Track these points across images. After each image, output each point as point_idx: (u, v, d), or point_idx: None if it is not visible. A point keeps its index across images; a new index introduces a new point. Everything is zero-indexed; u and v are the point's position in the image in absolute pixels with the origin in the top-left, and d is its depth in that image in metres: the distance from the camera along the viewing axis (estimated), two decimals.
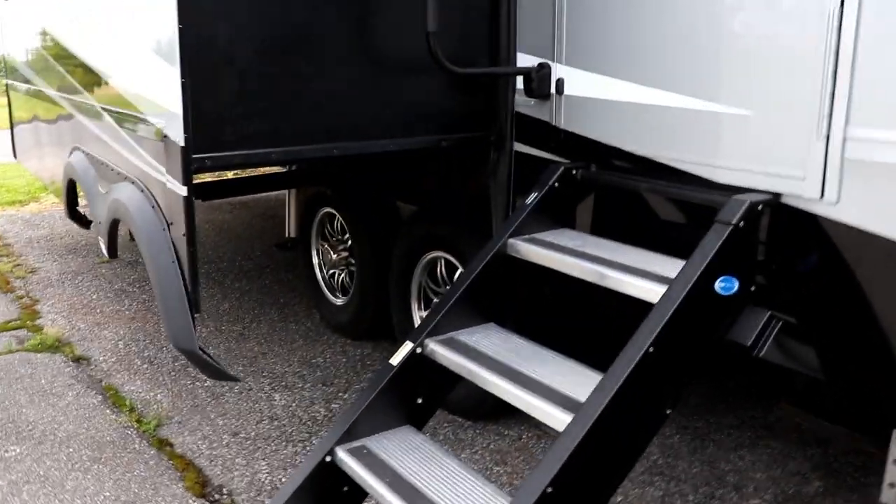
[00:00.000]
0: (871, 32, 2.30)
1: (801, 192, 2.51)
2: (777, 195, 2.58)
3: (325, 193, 4.92)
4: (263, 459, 3.75)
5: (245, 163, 3.03)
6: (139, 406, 4.21)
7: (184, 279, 2.93)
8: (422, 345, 2.91)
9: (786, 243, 2.59)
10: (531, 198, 3.12)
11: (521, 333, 3.01)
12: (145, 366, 4.70)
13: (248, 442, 3.89)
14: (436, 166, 4.29)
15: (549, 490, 2.22)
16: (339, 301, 5.12)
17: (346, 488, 2.84)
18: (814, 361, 2.64)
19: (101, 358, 4.80)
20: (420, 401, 2.96)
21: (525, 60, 3.33)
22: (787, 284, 2.61)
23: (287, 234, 5.50)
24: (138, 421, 4.05)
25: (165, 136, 2.91)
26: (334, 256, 5.06)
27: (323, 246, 5.20)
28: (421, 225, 4.18)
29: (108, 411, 4.15)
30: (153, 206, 3.15)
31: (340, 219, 4.95)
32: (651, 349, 2.36)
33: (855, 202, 2.40)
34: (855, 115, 2.36)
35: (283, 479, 3.58)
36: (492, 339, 2.95)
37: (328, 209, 5.03)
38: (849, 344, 2.56)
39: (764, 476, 3.65)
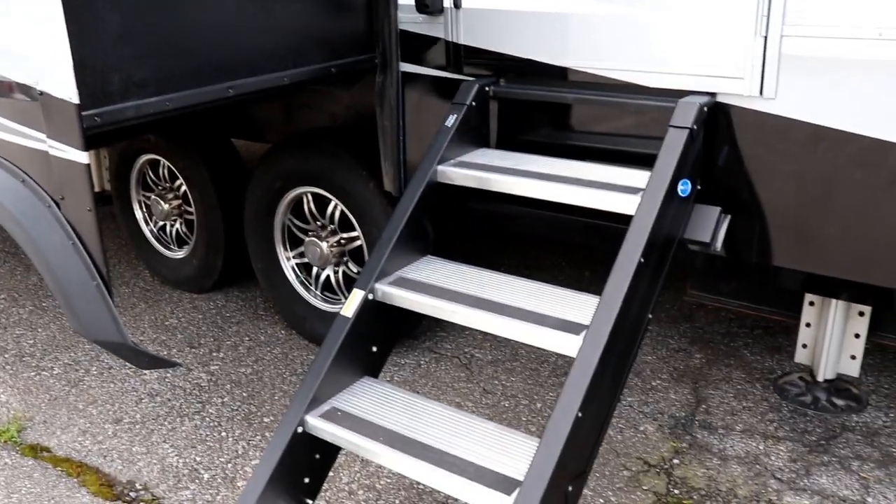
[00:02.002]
0: None
1: (741, 90, 2.61)
2: (714, 95, 2.67)
3: (147, 139, 4.38)
4: (164, 442, 3.37)
5: (138, 115, 2.56)
6: None
7: (93, 261, 2.48)
8: (372, 291, 2.73)
9: (727, 140, 2.70)
10: (451, 120, 2.98)
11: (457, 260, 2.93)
12: None
13: (137, 426, 3.48)
14: (291, 98, 3.98)
15: (580, 415, 2.21)
16: (177, 254, 4.65)
17: (318, 456, 2.65)
18: (752, 248, 2.81)
19: None
20: (375, 349, 2.79)
21: None
22: (730, 179, 2.74)
23: (97, 189, 4.86)
24: None
25: (42, 93, 2.39)
26: (165, 207, 4.55)
27: (147, 197, 4.66)
28: (283, 161, 3.86)
29: None
30: (23, 182, 2.60)
31: (169, 165, 4.45)
32: (642, 259, 2.39)
33: (792, 96, 2.55)
34: (791, 13, 2.47)
35: (197, 459, 3.26)
36: (441, 272, 2.83)
37: (151, 156, 4.50)
38: (785, 228, 2.74)
39: (654, 358, 3.91)
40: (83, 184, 2.41)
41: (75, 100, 2.31)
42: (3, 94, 2.60)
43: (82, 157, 2.38)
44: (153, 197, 4.61)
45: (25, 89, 2.47)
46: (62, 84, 2.32)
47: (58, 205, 2.54)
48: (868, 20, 2.35)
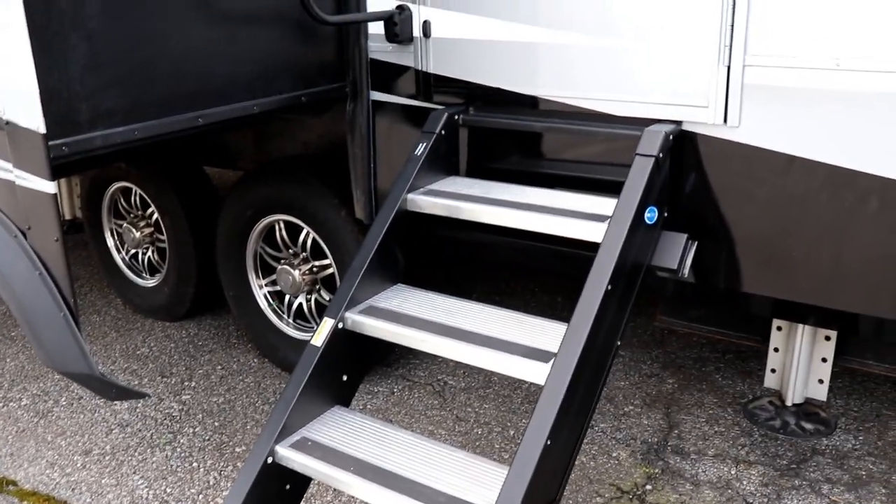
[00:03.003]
0: None
1: (705, 118, 2.65)
2: (679, 123, 2.71)
3: (118, 167, 4.36)
4: (134, 473, 3.34)
5: (106, 144, 2.56)
6: None
7: (60, 291, 2.46)
8: (342, 319, 2.73)
9: (692, 168, 2.74)
10: (420, 148, 3.00)
11: (424, 288, 2.94)
12: None
13: (107, 458, 3.44)
14: (263, 127, 3.99)
15: (549, 442, 2.21)
16: (149, 282, 4.62)
17: (288, 486, 2.63)
18: (720, 275, 2.84)
19: None
20: (345, 378, 2.79)
21: (376, 4, 3.15)
22: (696, 206, 2.77)
23: (68, 217, 4.83)
24: None
25: (8, 122, 2.38)
26: (136, 234, 4.53)
27: (119, 225, 4.64)
28: (255, 189, 3.86)
29: None
30: None
31: (140, 193, 4.43)
32: (609, 287, 2.40)
33: (755, 124, 2.59)
34: (752, 44, 2.52)
35: (168, 490, 3.22)
36: (411, 300, 2.83)
37: (122, 184, 4.48)
38: (751, 255, 2.77)
39: (626, 383, 3.93)
40: (50, 213, 2.40)
41: (42, 129, 2.30)
42: None
43: (49, 186, 2.37)
44: (125, 225, 4.59)
45: None
46: (28, 113, 2.31)
47: (24, 234, 2.52)
48: (825, 50, 2.40)
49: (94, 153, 2.54)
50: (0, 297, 4.78)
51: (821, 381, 3.31)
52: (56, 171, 2.38)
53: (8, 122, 2.39)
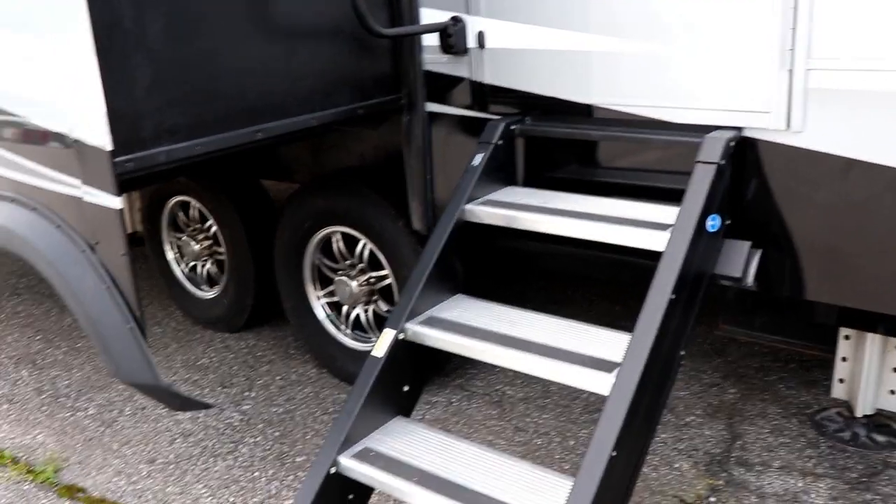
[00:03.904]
0: None
1: (767, 124, 2.61)
2: (740, 129, 2.67)
3: (177, 181, 4.45)
4: (198, 482, 3.39)
5: (169, 160, 2.61)
6: (21, 454, 3.63)
7: (127, 304, 2.52)
8: (403, 330, 2.73)
9: (754, 174, 2.69)
10: (478, 159, 3.00)
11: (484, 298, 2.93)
12: (4, 406, 4.05)
13: (171, 467, 3.50)
14: (319, 139, 4.03)
15: (614, 454, 2.19)
16: (208, 294, 4.70)
17: (351, 496, 2.65)
18: (784, 283, 2.78)
19: None
20: (406, 388, 2.80)
21: (430, 16, 3.16)
22: (759, 214, 2.72)
23: (131, 230, 4.94)
24: (30, 472, 3.49)
25: (77, 141, 2.44)
26: (195, 247, 4.61)
27: (178, 238, 4.72)
28: (312, 200, 3.90)
29: None
30: (59, 227, 2.65)
31: (199, 206, 4.51)
32: (673, 296, 2.37)
33: (819, 129, 2.53)
34: (816, 47, 2.47)
35: (231, 499, 3.26)
36: (471, 311, 2.83)
37: (181, 198, 4.56)
38: (816, 262, 2.71)
39: (687, 393, 3.87)
40: (117, 228, 2.46)
41: (108, 147, 2.36)
42: (39, 142, 2.66)
43: (116, 202, 2.42)
44: (184, 237, 4.68)
45: (60, 138, 2.53)
46: (95, 131, 2.37)
47: (92, 249, 2.58)
48: (892, 52, 2.34)
49: (158, 168, 2.59)
50: (67, 310, 4.92)
51: (892, 392, 3.22)
52: (122, 186, 2.44)
53: (76, 141, 2.45)
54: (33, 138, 2.66)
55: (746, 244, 2.69)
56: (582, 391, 3.85)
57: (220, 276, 4.63)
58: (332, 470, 2.55)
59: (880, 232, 2.51)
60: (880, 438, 3.36)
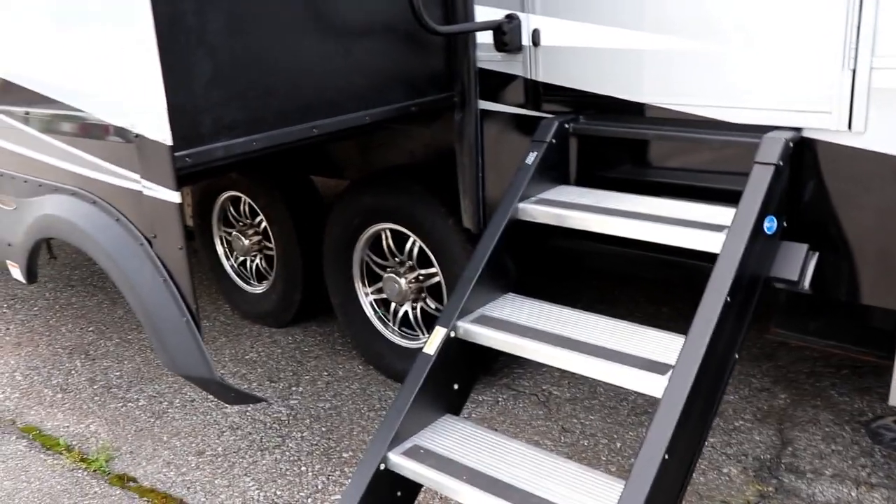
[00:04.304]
0: None
1: (828, 125, 2.56)
2: (799, 130, 2.62)
3: (228, 177, 4.50)
4: (245, 475, 3.42)
5: (227, 155, 2.64)
6: (75, 443, 3.70)
7: (183, 297, 2.56)
8: (454, 328, 2.74)
9: (813, 176, 2.65)
10: (531, 157, 2.99)
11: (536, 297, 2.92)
12: (59, 395, 4.13)
13: (219, 459, 3.54)
14: (370, 136, 4.05)
15: (666, 457, 2.16)
16: (257, 289, 4.75)
17: (399, 493, 2.66)
18: (841, 286, 2.73)
19: (1, 396, 4.17)
20: (456, 386, 2.80)
21: (484, 13, 3.16)
22: (817, 216, 2.67)
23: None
24: (83, 460, 3.56)
25: (138, 136, 2.48)
26: (245, 242, 4.66)
27: (228, 233, 4.78)
28: (362, 197, 3.92)
29: (42, 456, 3.61)
30: (118, 220, 2.70)
31: (249, 202, 4.55)
32: (728, 299, 2.34)
33: (882, 130, 2.48)
34: (881, 45, 2.42)
35: (278, 493, 3.29)
36: (523, 310, 2.82)
37: (232, 193, 4.62)
38: (875, 265, 2.66)
39: (736, 398, 3.81)
40: (174, 222, 2.49)
41: (169, 141, 2.39)
42: (100, 136, 2.71)
43: (174, 196, 2.46)
44: (234, 233, 4.73)
45: (121, 132, 2.57)
46: (156, 127, 2.41)
47: (150, 242, 2.63)
48: None
49: (216, 164, 2.62)
50: (121, 302, 5.01)
51: None
52: (180, 181, 2.47)
53: (137, 136, 2.49)
54: (94, 132, 2.71)
55: (804, 247, 2.65)
56: (629, 393, 3.83)
57: (268, 272, 4.68)
58: (382, 466, 2.56)
59: None
60: None
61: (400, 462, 2.55)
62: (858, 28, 2.43)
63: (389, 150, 4.08)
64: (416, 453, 2.58)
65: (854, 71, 2.47)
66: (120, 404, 4.02)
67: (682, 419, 2.21)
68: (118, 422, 3.86)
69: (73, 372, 4.36)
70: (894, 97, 2.43)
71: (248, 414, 3.86)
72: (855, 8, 2.42)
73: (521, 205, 2.92)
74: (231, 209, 4.74)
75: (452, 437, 2.66)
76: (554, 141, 3.01)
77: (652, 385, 2.34)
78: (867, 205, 2.57)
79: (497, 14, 3.13)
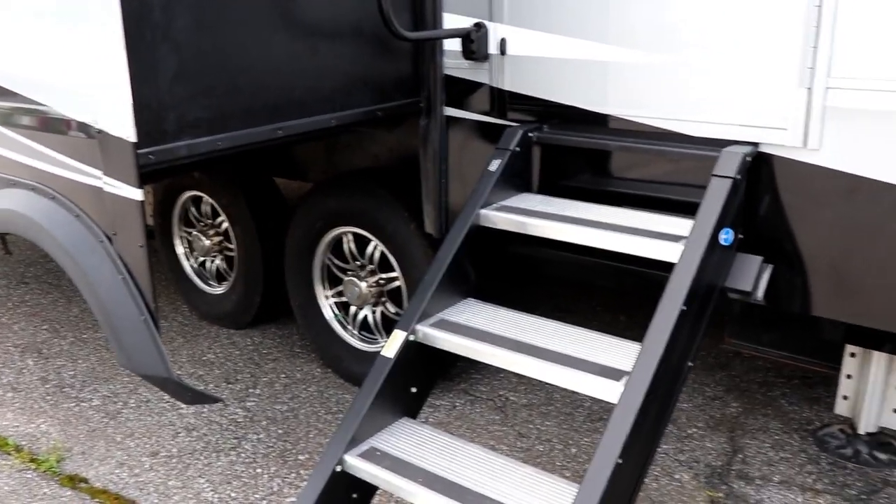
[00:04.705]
0: None
1: (784, 141, 2.63)
2: (757, 145, 2.69)
3: (190, 176, 4.47)
4: (200, 477, 3.40)
5: (191, 154, 2.62)
6: (25, 443, 3.64)
7: (142, 296, 2.54)
8: (413, 332, 2.75)
9: (769, 190, 2.71)
10: (495, 165, 3.02)
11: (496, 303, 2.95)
12: (9, 394, 4.06)
13: (174, 460, 3.51)
14: (334, 139, 4.05)
15: (620, 461, 2.20)
16: (216, 290, 4.72)
17: (355, 495, 2.66)
18: (793, 298, 2.80)
19: None
20: (414, 390, 2.82)
21: (453, 21, 3.19)
22: (772, 229, 2.74)
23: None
24: (33, 460, 3.50)
25: (101, 131, 2.46)
26: (206, 243, 4.63)
27: (189, 233, 4.75)
28: (325, 200, 3.92)
29: None
30: (77, 217, 2.67)
31: (211, 202, 4.53)
32: (684, 308, 2.39)
33: (835, 147, 2.55)
34: (836, 66, 2.49)
35: (232, 494, 3.28)
36: (482, 315, 2.85)
37: (193, 192, 4.58)
38: (826, 278, 2.73)
39: (690, 406, 3.88)
40: (136, 220, 2.48)
41: (132, 138, 2.38)
42: (62, 131, 2.68)
43: (137, 193, 2.45)
44: (195, 233, 4.70)
45: (84, 127, 2.55)
46: (120, 123, 2.39)
47: (110, 240, 2.60)
48: None
49: (180, 162, 2.61)
50: (77, 300, 4.94)
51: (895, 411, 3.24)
52: (143, 178, 2.46)
53: (100, 132, 2.47)
54: (55, 127, 2.69)
55: (758, 259, 2.72)
56: (585, 399, 3.87)
57: (228, 273, 4.65)
58: (339, 468, 2.56)
59: (891, 251, 2.53)
60: (882, 456, 3.37)
61: (356, 464, 2.56)
62: (815, 49, 2.50)
63: (354, 153, 4.09)
64: (373, 455, 2.59)
65: (810, 90, 2.54)
66: (73, 404, 3.96)
67: (636, 425, 2.25)
68: (70, 422, 3.81)
69: (24, 371, 4.29)
70: (848, 116, 2.50)
71: (203, 415, 3.83)
72: (812, 29, 2.49)
73: (483, 211, 2.95)
74: (192, 209, 4.71)
75: (409, 439, 2.67)
76: (518, 149, 3.05)
77: (607, 391, 2.38)
78: (820, 220, 2.64)
79: (465, 22, 3.16)
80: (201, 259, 4.77)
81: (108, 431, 3.73)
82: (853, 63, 2.46)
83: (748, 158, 2.63)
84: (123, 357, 2.64)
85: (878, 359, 3.17)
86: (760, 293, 2.72)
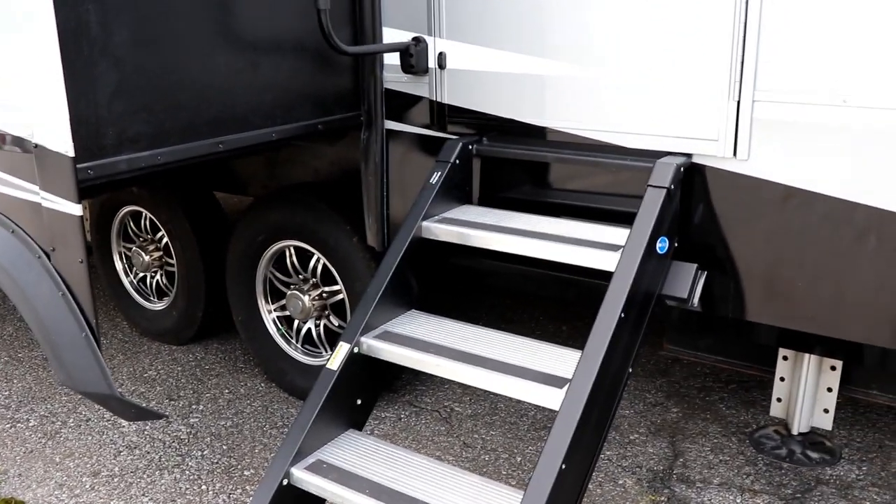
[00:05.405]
0: (774, 3, 2.53)
1: (715, 151, 2.72)
2: (690, 156, 2.78)
3: (129, 191, 4.42)
4: (143, 495, 3.35)
5: (131, 168, 2.61)
6: None
7: (82, 312, 2.51)
8: (358, 344, 2.77)
9: (702, 199, 2.80)
10: (435, 177, 3.06)
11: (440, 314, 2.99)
12: None
13: (116, 479, 3.45)
14: (274, 153, 4.05)
15: (563, 467, 2.25)
16: (157, 306, 4.66)
17: None
18: (727, 304, 2.89)
19: None
20: (359, 402, 2.83)
21: (393, 36, 3.23)
22: (706, 237, 2.82)
23: None
24: None
25: (38, 146, 2.43)
26: (146, 258, 4.57)
27: (128, 248, 4.68)
28: (267, 214, 3.91)
29: None
30: (13, 232, 2.62)
31: (151, 217, 4.48)
32: (622, 315, 2.45)
33: (763, 157, 2.65)
34: (762, 80, 2.59)
35: None
36: (425, 326, 2.88)
37: (132, 207, 4.53)
38: (758, 284, 2.83)
39: (632, 412, 3.96)
40: (75, 235, 2.45)
41: (71, 153, 2.36)
42: None
43: (76, 209, 2.42)
44: (134, 248, 4.64)
45: (19, 142, 2.51)
46: (58, 137, 2.37)
47: (48, 256, 2.57)
48: (834, 88, 2.47)
49: (119, 177, 2.59)
50: (11, 318, 4.82)
51: (826, 411, 3.35)
52: (82, 193, 2.43)
53: (37, 146, 2.45)
54: None
55: (693, 266, 2.80)
56: (529, 408, 3.92)
57: (169, 288, 4.60)
58: (285, 482, 2.56)
59: (817, 257, 2.63)
60: (814, 455, 3.49)
61: (303, 477, 2.56)
62: (742, 63, 2.60)
63: (294, 166, 4.10)
64: (319, 468, 2.59)
65: (738, 102, 2.64)
66: (8, 425, 3.87)
67: (578, 431, 2.29)
68: (6, 443, 3.72)
69: None
70: (774, 127, 2.60)
71: (146, 433, 3.78)
72: (739, 45, 2.59)
73: (424, 223, 2.98)
74: (131, 224, 4.65)
75: (355, 451, 2.68)
76: (457, 161, 3.09)
77: (549, 398, 2.43)
78: (751, 227, 2.73)
79: (405, 36, 3.20)
80: (141, 275, 4.71)
81: (46, 452, 3.66)
82: (778, 77, 2.56)
83: (682, 169, 2.72)
84: (64, 375, 2.60)
85: (809, 361, 3.28)
86: (696, 300, 2.80)
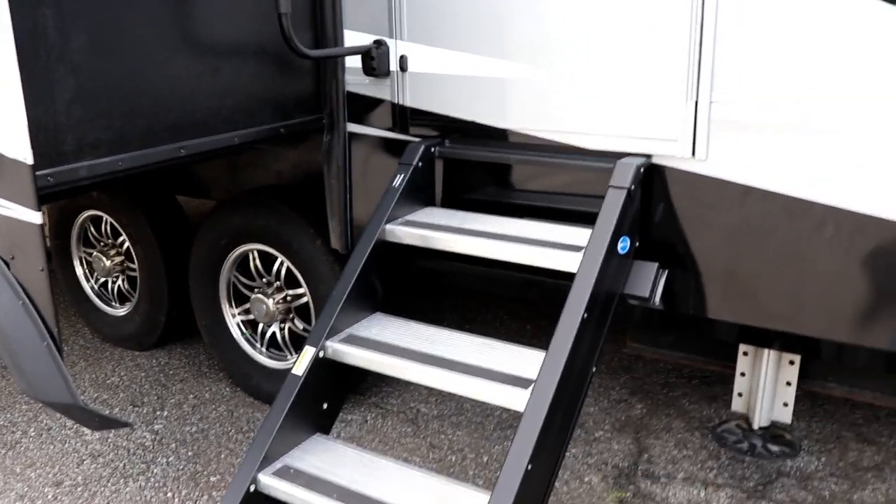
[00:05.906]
0: (729, 7, 2.58)
1: (674, 152, 2.76)
2: (650, 156, 2.81)
3: (90, 195, 4.36)
4: None
5: (91, 175, 2.58)
6: None
7: (44, 320, 2.47)
8: (323, 348, 2.77)
9: (662, 199, 2.84)
10: (398, 180, 3.07)
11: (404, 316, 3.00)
12: None
13: (79, 489, 3.41)
14: (237, 156, 4.03)
15: (530, 467, 2.27)
16: (118, 311, 4.60)
17: None
18: (688, 302, 2.93)
19: None
20: (326, 406, 2.83)
21: (354, 38, 3.23)
22: (666, 236, 2.87)
23: None
24: None
25: None
26: (107, 263, 4.52)
27: (89, 254, 4.62)
28: (229, 218, 3.89)
29: None
30: None
31: (112, 221, 4.42)
32: (585, 315, 2.48)
33: (721, 157, 2.70)
34: (718, 81, 2.64)
35: None
36: (390, 329, 2.88)
37: (92, 212, 4.47)
38: (718, 282, 2.88)
39: (596, 410, 4.00)
40: (36, 243, 2.42)
41: (29, 160, 2.33)
42: None
43: (36, 216, 2.39)
44: (95, 253, 4.58)
45: None
46: (16, 144, 2.34)
47: (7, 264, 2.53)
48: (789, 88, 2.52)
49: (79, 183, 2.56)
50: None
51: (785, 405, 3.42)
52: (42, 200, 2.41)
53: None
54: None
55: (654, 265, 2.84)
56: (495, 409, 3.94)
57: (131, 293, 4.55)
58: (252, 488, 2.56)
59: (774, 255, 2.68)
60: (775, 448, 3.56)
61: (270, 483, 2.56)
62: (699, 65, 2.64)
63: (257, 170, 4.08)
64: (287, 473, 2.59)
65: (696, 103, 2.68)
66: None
67: (543, 430, 2.32)
68: None
69: None
70: (731, 128, 2.65)
71: (109, 441, 3.74)
72: (695, 47, 2.63)
73: (387, 226, 2.98)
74: (92, 228, 4.59)
75: (323, 455, 2.68)
76: (420, 164, 3.10)
77: (514, 399, 2.45)
78: (710, 226, 2.78)
79: (366, 39, 3.20)
80: (102, 280, 4.65)
81: (6, 462, 3.60)
82: (734, 79, 2.60)
83: (642, 169, 2.75)
84: (24, 384, 2.57)
85: (769, 356, 3.34)
86: (658, 298, 2.84)
